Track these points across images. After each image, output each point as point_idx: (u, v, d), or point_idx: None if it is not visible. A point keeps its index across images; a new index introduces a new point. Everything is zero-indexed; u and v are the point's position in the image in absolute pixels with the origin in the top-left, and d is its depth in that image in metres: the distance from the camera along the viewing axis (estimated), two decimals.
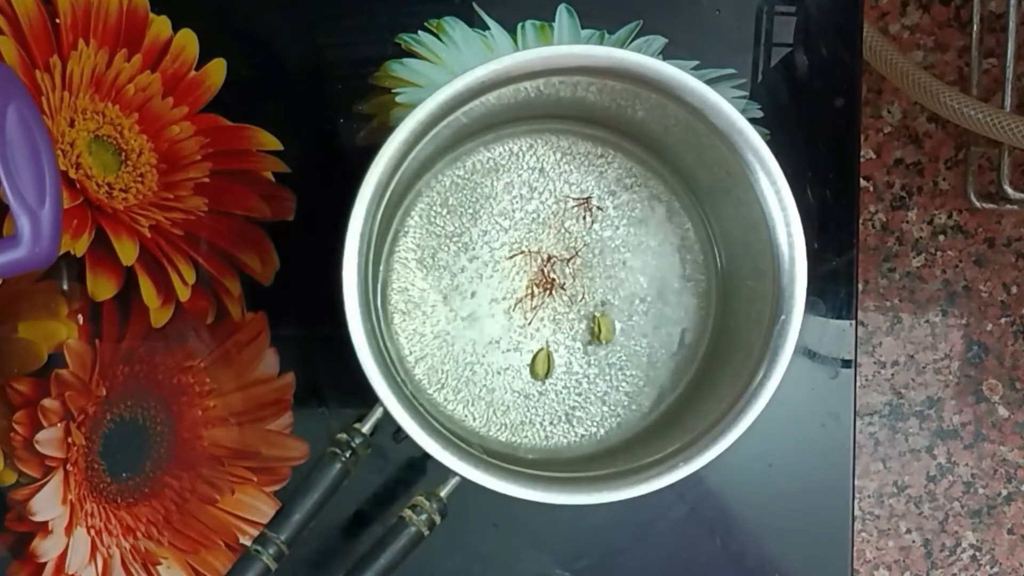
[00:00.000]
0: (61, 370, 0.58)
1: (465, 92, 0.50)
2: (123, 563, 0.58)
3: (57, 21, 0.58)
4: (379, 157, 0.49)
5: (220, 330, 0.59)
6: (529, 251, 0.57)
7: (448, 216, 0.57)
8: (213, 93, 0.59)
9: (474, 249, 0.57)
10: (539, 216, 0.57)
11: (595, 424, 0.57)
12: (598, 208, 0.57)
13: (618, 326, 0.57)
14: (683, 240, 0.58)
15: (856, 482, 0.61)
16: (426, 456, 0.49)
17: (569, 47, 0.51)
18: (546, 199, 0.57)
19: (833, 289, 0.61)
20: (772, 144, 0.51)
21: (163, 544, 0.58)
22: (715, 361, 0.57)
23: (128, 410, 0.58)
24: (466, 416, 0.56)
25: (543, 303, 0.57)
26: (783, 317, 0.51)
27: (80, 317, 0.58)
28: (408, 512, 0.50)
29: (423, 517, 0.49)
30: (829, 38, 0.61)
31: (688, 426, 0.53)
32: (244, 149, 0.59)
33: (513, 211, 0.57)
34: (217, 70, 0.59)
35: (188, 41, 0.58)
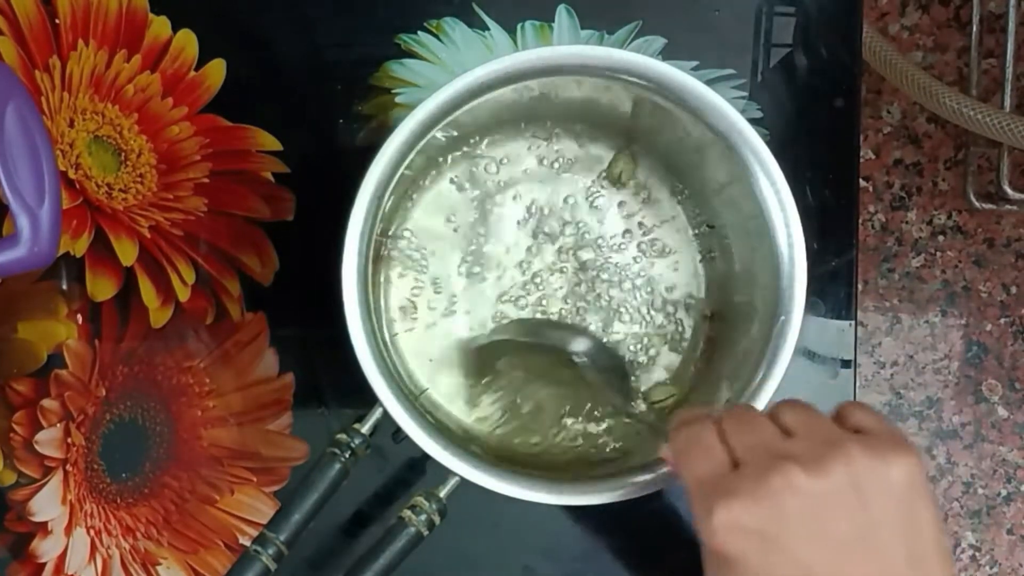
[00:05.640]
0: (61, 370, 0.58)
1: (465, 92, 0.50)
2: (123, 563, 0.58)
3: (57, 21, 0.58)
4: (379, 157, 0.49)
5: (220, 330, 0.59)
6: (530, 251, 0.57)
7: (449, 216, 0.57)
8: (213, 93, 0.59)
9: (475, 249, 0.57)
10: (539, 216, 0.57)
11: (596, 425, 0.57)
12: (599, 208, 0.57)
13: (618, 326, 0.57)
14: (682, 240, 0.58)
15: None
16: (426, 456, 0.49)
17: (569, 47, 0.51)
18: (546, 199, 0.57)
19: (833, 289, 0.61)
20: (772, 144, 0.51)
21: (163, 544, 0.58)
22: (714, 362, 0.57)
23: (128, 410, 0.58)
24: (467, 416, 0.56)
25: (546, 303, 0.57)
26: (783, 317, 0.51)
27: (79, 317, 0.58)
28: (407, 512, 0.50)
29: (422, 517, 0.49)
30: (829, 38, 0.61)
31: None
32: (244, 149, 0.59)
33: (514, 211, 0.57)
34: (217, 70, 0.59)
35: (188, 41, 0.58)
